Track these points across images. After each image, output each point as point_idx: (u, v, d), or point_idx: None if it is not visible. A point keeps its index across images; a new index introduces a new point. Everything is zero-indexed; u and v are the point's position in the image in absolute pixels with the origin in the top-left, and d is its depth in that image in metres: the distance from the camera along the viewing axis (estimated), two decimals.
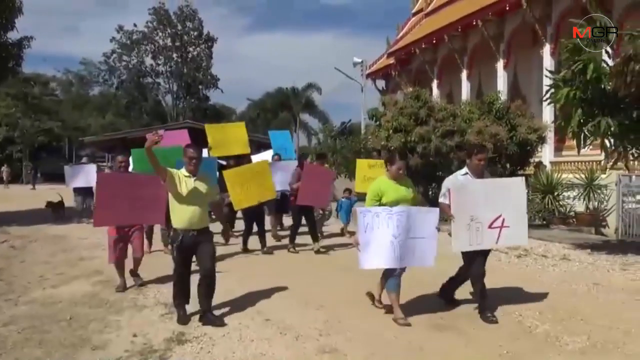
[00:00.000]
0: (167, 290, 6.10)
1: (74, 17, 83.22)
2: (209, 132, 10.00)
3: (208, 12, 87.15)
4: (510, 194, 5.15)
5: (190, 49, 48.76)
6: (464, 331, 4.67)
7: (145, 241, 7.75)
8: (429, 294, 5.73)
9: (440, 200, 5.19)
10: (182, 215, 4.86)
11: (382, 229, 4.70)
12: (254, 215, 8.78)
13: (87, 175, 13.09)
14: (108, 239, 6.35)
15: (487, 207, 5.00)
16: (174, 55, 48.34)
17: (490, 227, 5.01)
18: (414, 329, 4.72)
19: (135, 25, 47.37)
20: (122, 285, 6.25)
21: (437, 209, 4.99)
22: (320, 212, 10.52)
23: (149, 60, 48.96)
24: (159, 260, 7.61)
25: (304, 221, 9.06)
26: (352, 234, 9.91)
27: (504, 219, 5.04)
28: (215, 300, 5.11)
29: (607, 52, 8.23)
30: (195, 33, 48.52)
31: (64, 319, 5.06)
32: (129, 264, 6.48)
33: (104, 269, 7.20)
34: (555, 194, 11.84)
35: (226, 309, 5.30)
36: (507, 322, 4.92)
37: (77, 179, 13.55)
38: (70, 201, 14.63)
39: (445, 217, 5.07)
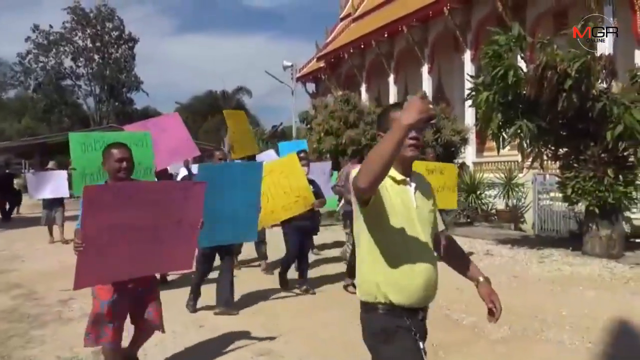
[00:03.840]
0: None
1: None
2: (232, 121, 6.83)
3: (132, 12, 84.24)
4: None
5: (112, 50, 47.03)
6: None
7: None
8: None
9: None
10: (402, 275, 2.08)
11: None
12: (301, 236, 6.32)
13: (55, 183, 10.73)
14: (94, 305, 3.31)
15: None
16: (95, 56, 46.40)
17: None
18: (349, 330, 4.82)
19: (51, 26, 45.08)
20: None
21: None
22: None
23: (68, 62, 46.74)
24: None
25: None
26: None
27: None
28: None
29: (522, 57, 8.77)
30: (116, 33, 46.85)
31: None
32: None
33: (23, 282, 6.83)
34: (478, 192, 12.46)
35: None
36: (436, 316, 5.12)
37: (43, 189, 10.87)
38: None
39: None
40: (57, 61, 46.30)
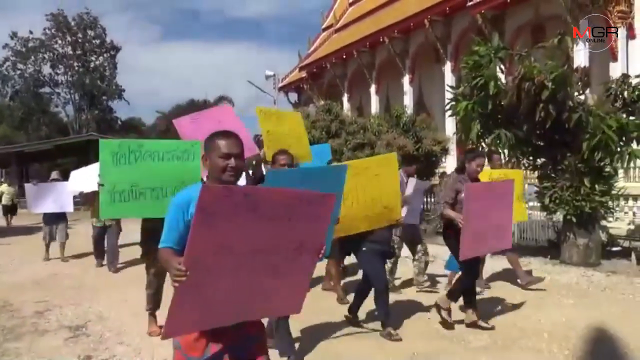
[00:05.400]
0: (71, 312, 5.77)
1: None
2: (263, 119, 5.38)
3: (114, 20, 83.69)
4: None
5: (92, 58, 46.62)
6: (377, 336, 4.82)
7: None
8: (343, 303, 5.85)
9: None
10: None
11: None
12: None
13: (58, 196, 9.45)
14: None
15: None
16: (75, 64, 45.92)
17: None
18: (330, 337, 4.80)
19: (31, 32, 44.58)
20: None
21: None
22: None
23: (47, 69, 46.19)
24: (60, 277, 7.16)
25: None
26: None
27: None
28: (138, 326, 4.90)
29: (501, 69, 8.91)
30: (98, 41, 46.46)
31: None
32: None
33: None
34: None
35: (137, 331, 5.10)
36: (417, 325, 5.14)
37: (44, 202, 9.57)
38: None
39: None
40: (35, 68, 45.73)
